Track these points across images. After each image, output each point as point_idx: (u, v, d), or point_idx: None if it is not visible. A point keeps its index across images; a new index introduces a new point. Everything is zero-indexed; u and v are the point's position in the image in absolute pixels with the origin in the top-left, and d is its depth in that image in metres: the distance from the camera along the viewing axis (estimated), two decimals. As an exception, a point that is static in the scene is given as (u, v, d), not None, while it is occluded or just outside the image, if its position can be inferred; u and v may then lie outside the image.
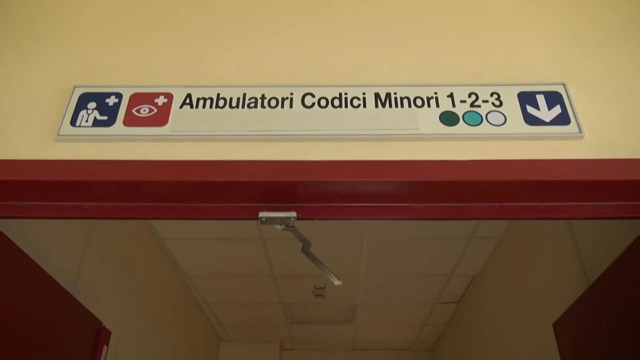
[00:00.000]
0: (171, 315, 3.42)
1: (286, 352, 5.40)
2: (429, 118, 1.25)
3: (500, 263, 3.09)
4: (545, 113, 1.24)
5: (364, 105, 1.28)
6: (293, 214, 1.22)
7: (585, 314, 1.83)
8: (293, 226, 1.24)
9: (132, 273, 2.69)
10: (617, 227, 1.74)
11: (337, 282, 1.56)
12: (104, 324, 2.08)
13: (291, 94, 1.30)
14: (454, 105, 1.27)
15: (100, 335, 2.03)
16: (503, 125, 1.23)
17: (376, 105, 1.28)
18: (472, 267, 3.44)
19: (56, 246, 1.90)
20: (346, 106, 1.28)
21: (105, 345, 2.05)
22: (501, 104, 1.26)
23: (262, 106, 1.28)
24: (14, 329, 1.46)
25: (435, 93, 1.29)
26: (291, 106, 1.28)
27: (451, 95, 1.28)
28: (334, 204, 1.25)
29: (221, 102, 1.29)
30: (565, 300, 1.97)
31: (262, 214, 1.21)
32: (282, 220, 1.22)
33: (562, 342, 2.06)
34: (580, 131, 1.21)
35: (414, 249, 3.19)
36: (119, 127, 1.25)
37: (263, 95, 1.30)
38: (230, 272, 3.55)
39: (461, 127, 1.23)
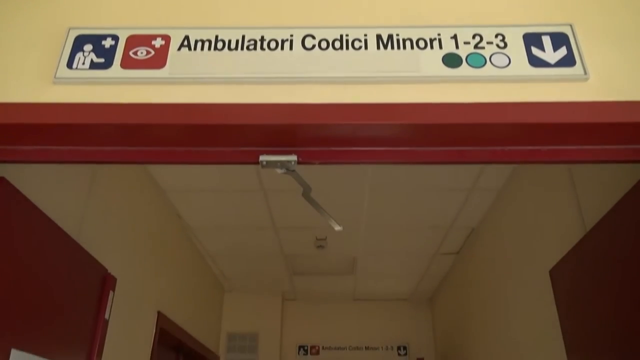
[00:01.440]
0: (175, 265, 3.49)
1: (288, 302, 5.54)
2: (431, 60, 1.22)
3: (499, 214, 3.12)
4: (550, 55, 1.22)
5: (366, 47, 1.25)
6: (293, 157, 1.21)
7: (582, 260, 1.85)
8: (293, 170, 1.24)
9: (136, 224, 2.72)
10: (617, 174, 1.74)
11: (337, 228, 1.58)
12: (109, 271, 2.13)
13: (291, 35, 1.27)
14: (457, 47, 1.24)
15: (106, 281, 2.08)
16: (507, 67, 1.21)
17: (378, 47, 1.25)
18: (472, 218, 3.47)
19: (59, 195, 1.92)
20: (347, 48, 1.25)
21: (111, 291, 2.11)
22: (506, 45, 1.24)
23: (262, 48, 1.25)
24: (19, 276, 1.49)
25: (439, 34, 1.26)
26: (291, 48, 1.25)
27: (455, 37, 1.26)
28: (334, 148, 1.25)
29: (220, 44, 1.26)
30: (564, 249, 1.99)
31: (262, 158, 1.21)
32: (282, 164, 1.22)
33: (558, 289, 2.09)
34: (585, 73, 1.19)
35: (415, 200, 3.21)
36: (116, 69, 1.23)
37: (262, 37, 1.27)
38: (232, 224, 3.59)
39: (464, 69, 1.21)
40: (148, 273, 2.92)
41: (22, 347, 1.47)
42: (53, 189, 1.87)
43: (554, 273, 2.10)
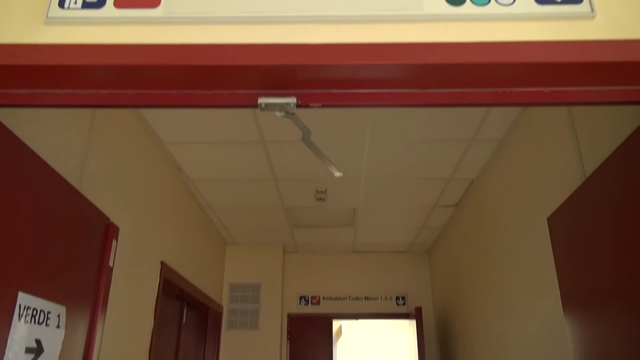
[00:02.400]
0: (177, 217, 3.52)
1: (289, 254, 5.64)
2: (434, -2, 1.19)
3: (499, 165, 3.12)
4: (557, -9, 1.18)
5: (367, -15, 1.21)
6: (293, 99, 1.20)
7: (580, 207, 1.85)
8: (293, 113, 1.22)
9: (136, 175, 2.73)
10: (619, 120, 1.72)
11: (337, 174, 1.58)
12: (111, 220, 2.15)
13: (290, -27, 1.23)
14: (461, -16, 1.20)
15: (108, 229, 2.10)
16: (512, 5, 1.17)
17: (379, -15, 1.21)
18: (472, 170, 3.47)
19: (58, 145, 1.91)
20: (348, -14, 1.21)
21: (114, 240, 2.13)
22: (511, -19, 1.19)
23: (259, -14, 1.21)
24: (21, 222, 1.50)
25: (442, -29, 1.21)
26: (290, -14, 1.21)
27: (458, -27, 1.21)
28: (334, 90, 1.23)
29: (216, -18, 1.22)
30: (564, 196, 1.99)
31: (261, 100, 1.20)
32: (281, 107, 1.20)
33: (555, 237, 2.10)
34: (592, 10, 1.15)
35: (415, 152, 3.21)
36: (109, 9, 1.19)
37: (260, -26, 1.22)
38: (233, 176, 3.60)
39: (468, 7, 1.17)
40: (150, 224, 2.95)
41: (28, 291, 1.50)
42: (52, 139, 1.86)
43: (552, 220, 2.11)
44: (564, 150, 2.21)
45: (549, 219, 2.13)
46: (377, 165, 3.40)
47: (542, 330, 2.47)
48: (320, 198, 3.94)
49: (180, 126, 2.90)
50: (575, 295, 1.89)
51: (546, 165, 2.41)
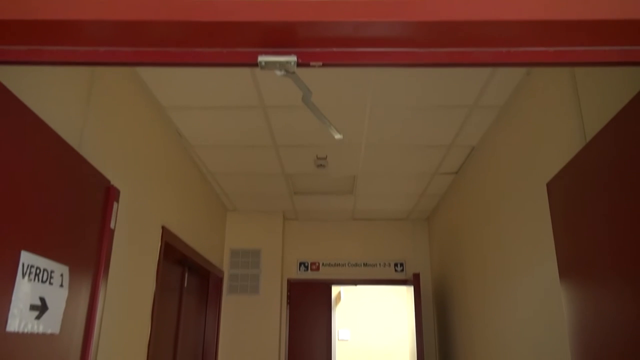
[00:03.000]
0: (178, 183, 3.53)
1: (289, 221, 5.68)
2: (438, -48, 1.15)
3: (500, 132, 3.11)
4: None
5: (370, -61, 1.17)
6: (293, 58, 1.18)
7: (579, 173, 1.85)
8: (293, 72, 1.21)
9: (136, 139, 2.72)
10: (622, 84, 1.70)
11: (337, 136, 1.57)
12: (112, 183, 2.15)
13: None
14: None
15: (109, 192, 2.11)
16: (518, -39, 1.14)
17: (382, -62, 1.17)
18: (472, 137, 3.46)
19: (58, 108, 1.89)
20: (350, -61, 1.18)
21: (115, 202, 2.15)
22: None
23: (259, -61, 1.18)
24: (22, 184, 1.51)
25: None
26: (290, -61, 1.18)
27: None
28: (335, 49, 1.21)
29: None
30: (564, 163, 1.99)
31: (261, 58, 1.18)
32: (281, 65, 1.19)
33: (554, 203, 2.11)
34: (600, -33, 1.12)
35: (415, 118, 3.19)
36: (106, -37, 1.16)
37: None
38: (233, 142, 3.59)
39: (473, -37, 1.14)
40: (151, 188, 2.96)
41: (31, 250, 1.52)
42: (51, 103, 1.85)
43: (551, 186, 2.11)
44: (566, 117, 2.19)
45: (548, 185, 2.14)
46: (378, 132, 3.38)
47: (539, 298, 2.51)
48: (321, 165, 3.94)
49: (180, 91, 2.87)
50: (572, 263, 1.89)
51: (548, 132, 2.40)
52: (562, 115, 2.24)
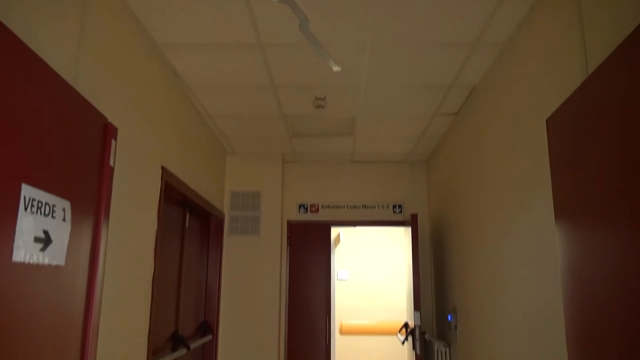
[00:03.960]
0: (176, 124, 3.52)
1: (288, 164, 5.71)
2: None
3: (502, 70, 3.05)
4: None
5: None
6: (289, -18, 1.14)
7: (580, 107, 1.82)
8: (289, -2, 1.17)
9: (132, 77, 2.68)
10: (629, 18, 1.65)
11: (335, 68, 1.55)
12: (109, 120, 2.14)
13: None
14: None
15: (107, 129, 2.10)
16: None
17: None
18: (474, 76, 3.41)
19: (50, 44, 1.85)
20: None
21: (113, 140, 2.15)
22: None
23: None
24: (19, 118, 1.50)
25: None
26: None
27: None
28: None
29: None
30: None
31: (255, -18, 1.14)
32: (277, -9, 1.15)
33: (553, 139, 2.09)
34: None
35: (416, 57, 3.12)
36: None
37: None
38: (231, 82, 3.54)
39: None
40: (149, 128, 2.95)
41: (32, 183, 1.54)
42: (43, 38, 1.80)
43: (551, 122, 2.10)
44: (570, 53, 2.14)
45: (547, 121, 2.12)
46: (378, 71, 3.33)
47: (534, 238, 2.56)
48: (319, 105, 3.90)
49: (174, 27, 2.79)
50: (569, 203, 1.88)
51: (551, 69, 2.35)
52: (565, 51, 2.19)
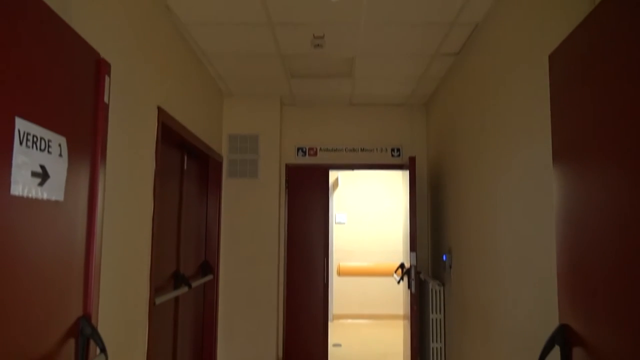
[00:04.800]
0: (171, 63, 3.44)
1: (286, 107, 5.64)
2: None
3: (506, 6, 2.95)
4: None
5: None
6: None
7: (585, 42, 1.76)
8: None
9: (124, 15, 2.58)
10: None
11: (333, -3, 1.49)
12: (102, 56, 2.09)
13: None
14: None
15: (100, 65, 2.05)
16: None
17: None
18: (477, 12, 3.30)
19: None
20: None
21: (107, 76, 2.10)
22: None
23: None
24: (9, 48, 1.46)
25: None
26: None
27: None
28: None
29: None
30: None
31: None
32: None
33: (555, 76, 2.04)
34: None
35: (418, -9, 3.02)
36: None
37: None
38: (226, 19, 3.43)
39: None
40: (144, 66, 2.89)
41: (25, 117, 1.52)
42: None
43: (554, 58, 2.04)
44: (577, -17, 2.06)
45: (550, 57, 2.07)
46: (378, 6, 3.22)
47: (530, 178, 2.56)
48: (318, 45, 3.81)
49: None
50: (568, 144, 1.83)
51: (556, 4, 2.27)
52: (572, -18, 2.10)
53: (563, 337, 1.81)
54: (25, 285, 1.55)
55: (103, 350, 1.91)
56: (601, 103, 1.60)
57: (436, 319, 4.59)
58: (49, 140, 1.64)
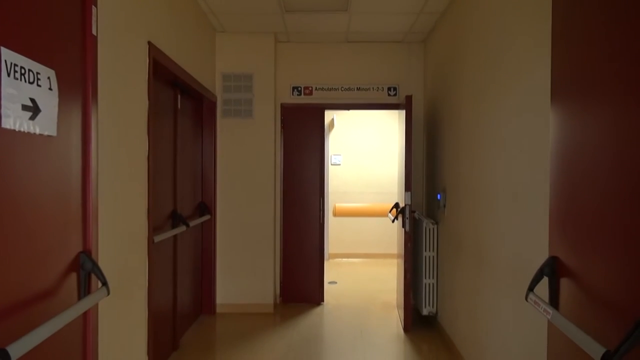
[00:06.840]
0: (159, -4, 3.30)
1: (281, 44, 5.49)
2: None
3: None
4: None
5: None
6: None
7: None
8: None
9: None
10: None
11: None
12: (87, -16, 1.99)
13: None
14: None
15: (85, -6, 1.96)
16: None
17: None
18: (480, -58, 3.15)
19: None
20: None
21: (94, 6, 2.02)
22: None
23: None
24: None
25: None
26: None
27: None
28: None
29: None
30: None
31: None
32: None
33: (558, 6, 1.98)
34: None
35: None
36: None
37: None
38: (216, -52, 3.26)
39: None
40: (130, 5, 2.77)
41: (11, 47, 1.47)
42: None
43: (558, -11, 1.97)
44: None
45: (554, -8, 1.99)
46: None
47: (527, 116, 2.54)
48: (313, -24, 3.64)
49: None
50: (568, 80, 1.79)
51: None
52: None
53: (552, 269, 1.86)
54: (23, 218, 1.56)
55: (105, 283, 1.96)
56: (606, 36, 1.55)
57: (429, 257, 4.71)
58: (37, 73, 1.60)
